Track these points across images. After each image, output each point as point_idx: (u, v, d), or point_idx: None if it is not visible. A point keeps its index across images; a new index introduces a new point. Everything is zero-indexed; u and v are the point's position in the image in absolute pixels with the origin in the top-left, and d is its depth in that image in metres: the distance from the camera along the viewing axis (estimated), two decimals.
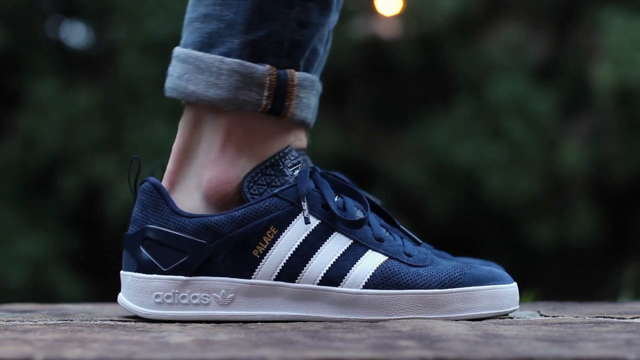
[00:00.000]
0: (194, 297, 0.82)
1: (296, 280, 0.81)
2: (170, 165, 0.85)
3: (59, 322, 0.79)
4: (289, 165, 0.84)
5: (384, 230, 0.84)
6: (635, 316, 0.82)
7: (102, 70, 3.36)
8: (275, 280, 0.81)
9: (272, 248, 0.81)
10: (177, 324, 0.78)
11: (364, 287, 0.81)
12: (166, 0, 3.13)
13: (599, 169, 3.15)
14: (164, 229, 0.82)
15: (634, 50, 2.98)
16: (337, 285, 0.81)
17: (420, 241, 0.85)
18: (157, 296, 0.82)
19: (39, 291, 3.01)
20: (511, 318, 0.82)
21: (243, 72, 0.81)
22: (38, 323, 0.78)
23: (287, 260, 0.81)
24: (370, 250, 0.82)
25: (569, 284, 3.30)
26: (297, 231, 0.81)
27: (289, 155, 0.84)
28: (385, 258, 0.82)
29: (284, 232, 0.81)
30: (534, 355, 0.58)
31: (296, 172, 0.84)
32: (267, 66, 0.81)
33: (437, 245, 0.90)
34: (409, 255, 0.82)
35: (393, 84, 3.32)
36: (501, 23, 3.38)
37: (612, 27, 3.05)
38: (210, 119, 0.83)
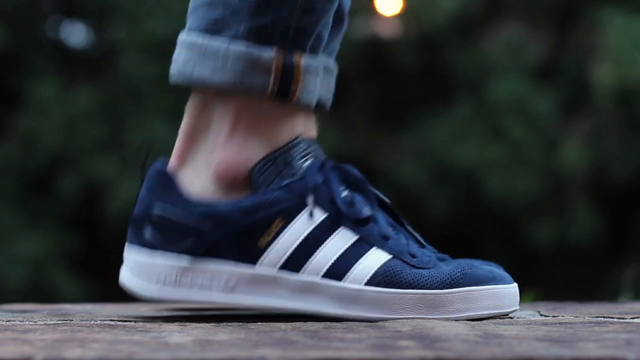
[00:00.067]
0: (196, 280, 0.81)
1: (299, 273, 0.81)
2: (178, 146, 0.84)
3: (59, 322, 0.79)
4: (298, 156, 0.84)
5: (391, 229, 0.84)
6: (635, 316, 0.82)
7: (102, 70, 3.36)
8: (278, 271, 0.81)
9: (277, 239, 0.81)
10: (177, 323, 0.78)
11: (366, 284, 0.81)
12: (166, 0, 3.13)
13: (599, 169, 3.15)
14: (171, 212, 0.81)
15: (634, 50, 2.98)
16: (339, 279, 0.81)
17: (425, 244, 0.85)
18: (159, 277, 0.82)
19: (39, 291, 3.01)
20: (511, 318, 0.82)
21: (249, 57, 0.81)
22: (38, 323, 0.78)
23: (291, 252, 0.81)
24: (375, 248, 0.82)
25: (569, 284, 3.30)
26: (304, 224, 0.81)
27: (299, 146, 0.84)
28: (389, 257, 0.82)
29: (290, 224, 0.81)
30: (534, 355, 0.58)
31: (306, 164, 0.84)
32: (273, 51, 0.81)
33: (436, 245, 0.90)
34: (413, 256, 0.82)
35: (393, 84, 3.32)
36: (501, 23, 3.38)
37: (612, 27, 3.05)
38: (218, 104, 0.83)
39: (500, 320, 0.80)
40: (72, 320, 0.81)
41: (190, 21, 0.85)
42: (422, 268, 0.81)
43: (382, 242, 0.82)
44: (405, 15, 3.19)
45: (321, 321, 0.79)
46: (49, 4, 3.55)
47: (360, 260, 0.81)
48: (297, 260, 0.81)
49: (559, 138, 3.16)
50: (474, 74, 3.22)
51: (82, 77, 3.34)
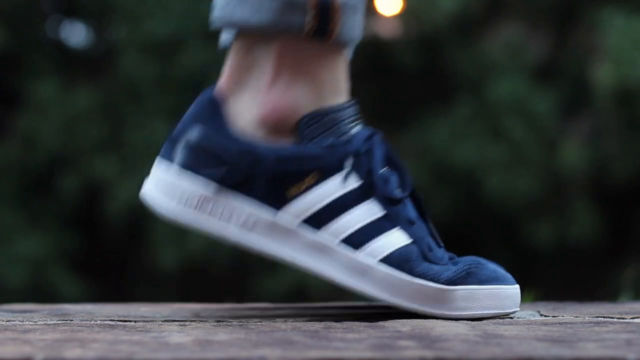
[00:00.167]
0: (217, 211, 0.81)
1: (318, 231, 0.81)
2: (224, 81, 0.84)
3: (59, 322, 0.79)
4: (348, 120, 0.84)
5: (416, 219, 0.84)
6: (635, 316, 0.82)
7: (102, 70, 3.36)
8: (299, 224, 0.81)
9: (306, 193, 0.81)
10: (177, 323, 0.78)
11: (380, 261, 0.81)
12: (166, 0, 3.13)
13: (599, 169, 3.15)
14: (212, 138, 0.82)
15: (634, 50, 2.98)
16: (355, 249, 0.81)
17: (442, 244, 0.86)
18: (181, 198, 0.82)
19: (39, 291, 3.01)
20: (511, 318, 0.82)
21: None
22: (38, 323, 0.78)
23: (317, 210, 0.81)
24: (398, 228, 0.82)
25: (569, 284, 3.30)
26: (336, 186, 0.82)
27: (350, 109, 0.85)
28: (409, 241, 0.82)
29: (323, 182, 0.81)
30: (534, 355, 0.58)
31: (355, 129, 0.84)
32: None
33: None
34: (430, 249, 0.82)
35: (393, 84, 3.32)
36: (501, 23, 3.38)
37: (612, 27, 3.06)
38: (260, 47, 0.83)
39: (500, 320, 0.80)
40: (72, 320, 0.81)
41: None
42: (434, 263, 0.82)
43: (407, 225, 0.82)
44: (405, 15, 3.19)
45: (321, 321, 0.79)
46: (49, 4, 3.55)
47: (380, 237, 0.81)
48: (319, 219, 0.81)
49: (559, 138, 3.16)
50: (474, 74, 3.22)
51: (82, 77, 3.34)
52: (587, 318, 0.81)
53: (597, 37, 3.14)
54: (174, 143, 0.83)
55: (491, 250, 3.18)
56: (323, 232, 0.81)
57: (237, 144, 0.81)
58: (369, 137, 0.84)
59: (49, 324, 0.77)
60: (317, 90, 0.84)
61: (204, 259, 3.11)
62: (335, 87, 0.85)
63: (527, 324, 0.76)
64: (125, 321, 0.81)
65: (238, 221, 0.81)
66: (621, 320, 0.79)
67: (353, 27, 0.85)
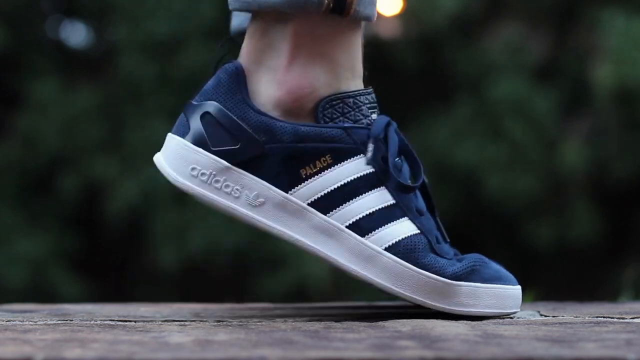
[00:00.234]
0: (227, 186, 0.81)
1: (328, 214, 0.81)
2: (243, 60, 0.84)
3: (59, 322, 0.79)
4: (367, 106, 0.84)
5: (426, 210, 0.85)
6: (635, 316, 0.82)
7: (102, 70, 3.36)
8: (308, 205, 0.81)
9: (319, 174, 0.81)
10: (177, 323, 0.78)
11: (386, 249, 0.81)
12: (166, 0, 3.13)
13: (599, 169, 3.15)
14: (229, 113, 0.82)
15: (634, 51, 2.98)
16: (362, 235, 0.81)
17: (448, 240, 0.86)
18: (193, 169, 0.82)
19: (39, 291, 3.01)
20: (511, 318, 0.82)
21: None
22: (38, 323, 0.78)
23: (327, 192, 0.81)
24: (406, 218, 0.83)
25: (569, 284, 3.30)
26: (350, 170, 0.82)
27: (370, 96, 0.85)
28: (417, 231, 0.82)
29: (337, 165, 0.82)
30: (534, 355, 0.58)
31: (373, 115, 0.84)
32: None
33: None
34: (437, 242, 0.83)
35: (393, 84, 3.32)
36: (501, 23, 3.38)
37: (612, 27, 3.05)
38: (276, 29, 0.83)
39: (500, 320, 0.80)
40: (72, 320, 0.81)
41: None
42: (440, 256, 0.82)
43: (416, 215, 0.83)
44: (405, 15, 3.19)
45: (321, 321, 0.79)
46: (49, 4, 3.55)
47: (388, 225, 0.82)
48: (329, 201, 0.81)
49: (559, 138, 3.16)
50: (474, 74, 3.22)
51: (82, 77, 3.34)
52: (587, 318, 0.81)
53: (598, 37, 3.14)
54: (190, 117, 0.83)
55: (491, 250, 3.17)
56: (332, 215, 0.81)
57: (255, 119, 0.81)
58: (388, 125, 0.84)
59: (49, 324, 0.77)
60: (334, 72, 0.84)
61: (204, 259, 3.10)
62: (352, 70, 0.86)
63: (527, 324, 0.76)
64: (125, 321, 0.81)
65: (247, 198, 0.81)
66: (621, 320, 0.79)
67: (370, 4, 0.85)
